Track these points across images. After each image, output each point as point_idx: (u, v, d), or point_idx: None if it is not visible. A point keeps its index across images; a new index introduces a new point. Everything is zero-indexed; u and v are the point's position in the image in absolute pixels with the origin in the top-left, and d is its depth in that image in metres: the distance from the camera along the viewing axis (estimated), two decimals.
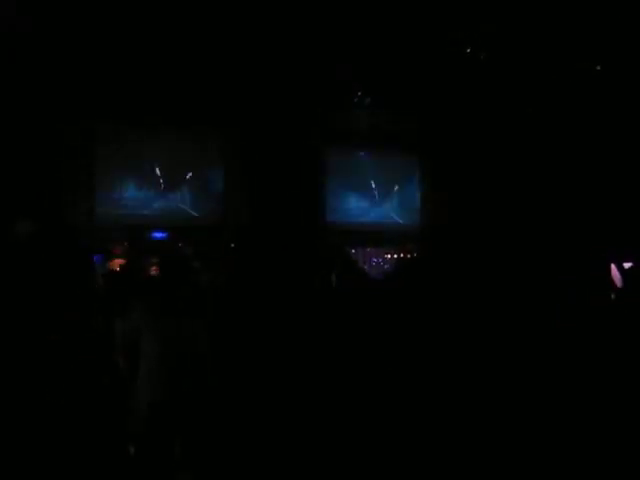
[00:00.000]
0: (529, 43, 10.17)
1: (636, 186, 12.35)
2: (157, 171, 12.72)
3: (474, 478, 4.42)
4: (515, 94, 12.13)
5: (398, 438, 4.46)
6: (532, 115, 12.74)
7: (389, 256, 14.25)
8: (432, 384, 4.65)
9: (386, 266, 14.10)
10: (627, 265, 8.39)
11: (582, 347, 5.05)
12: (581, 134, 12.76)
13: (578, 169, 12.88)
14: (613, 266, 8.48)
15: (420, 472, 4.38)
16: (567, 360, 5.03)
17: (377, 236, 14.09)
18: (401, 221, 14.68)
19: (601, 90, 11.60)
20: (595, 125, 12.54)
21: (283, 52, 10.81)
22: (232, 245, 12.13)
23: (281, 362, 4.54)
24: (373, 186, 14.47)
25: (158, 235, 12.29)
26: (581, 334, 5.16)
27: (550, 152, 13.11)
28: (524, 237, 11.73)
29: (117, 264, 9.86)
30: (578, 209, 12.63)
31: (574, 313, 5.57)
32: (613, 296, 6.75)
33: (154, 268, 9.87)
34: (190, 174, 13.01)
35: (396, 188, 14.74)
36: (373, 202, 14.51)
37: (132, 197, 12.56)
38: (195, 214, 12.98)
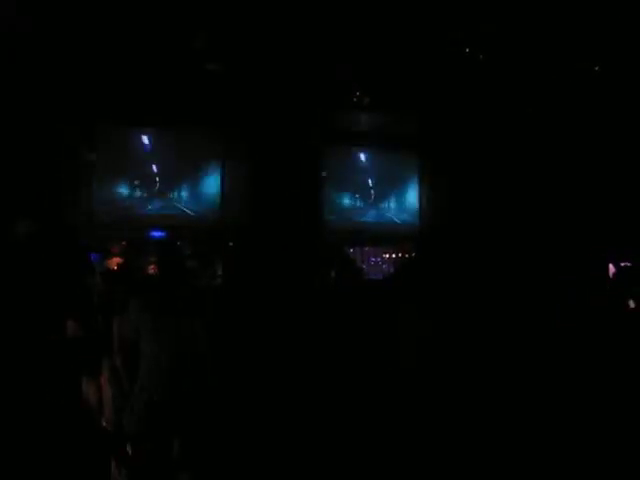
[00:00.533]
0: (529, 42, 10.17)
1: (636, 186, 12.35)
2: (156, 171, 12.73)
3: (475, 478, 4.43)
4: (515, 94, 12.14)
5: (396, 436, 4.46)
6: (532, 115, 12.74)
7: (387, 256, 14.26)
8: (430, 383, 4.65)
9: (384, 266, 14.10)
10: (623, 264, 8.42)
11: (582, 347, 5.05)
12: (581, 134, 12.76)
13: (578, 169, 12.89)
14: (611, 266, 8.51)
15: (421, 472, 4.38)
16: (567, 360, 5.03)
17: (376, 236, 14.10)
18: (400, 221, 14.67)
19: (600, 90, 11.60)
20: (595, 125, 12.54)
21: (282, 52, 10.80)
22: (230, 244, 12.14)
23: (280, 361, 4.54)
24: (372, 186, 14.47)
25: (156, 234, 12.29)
26: (581, 334, 5.17)
27: (550, 152, 13.11)
28: (524, 237, 11.74)
29: (115, 263, 9.86)
30: (578, 209, 12.63)
31: (574, 313, 5.57)
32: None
33: (152, 267, 9.87)
34: (189, 174, 13.02)
35: (395, 188, 14.74)
36: (372, 202, 14.50)
37: (131, 196, 12.56)
38: (193, 214, 12.98)
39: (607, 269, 8.40)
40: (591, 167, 12.77)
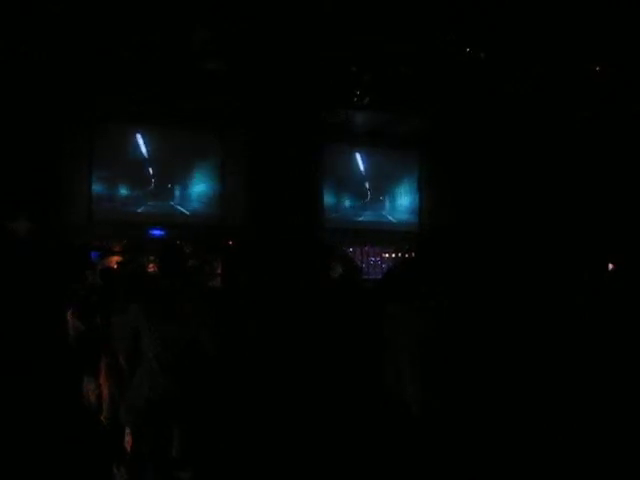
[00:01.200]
0: (531, 40, 10.15)
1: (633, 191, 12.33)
2: (156, 170, 12.72)
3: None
4: (516, 93, 12.11)
5: (399, 437, 4.47)
6: (533, 114, 12.71)
7: (387, 255, 14.26)
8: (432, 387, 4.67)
9: (384, 265, 14.10)
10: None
11: (580, 345, 5.07)
12: (584, 132, 12.72)
13: (578, 167, 12.87)
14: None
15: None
16: (564, 357, 5.05)
17: (374, 235, 14.11)
18: (397, 220, 14.69)
19: (601, 90, 11.59)
20: (598, 124, 12.51)
21: (281, 51, 10.80)
22: (230, 243, 12.14)
23: (280, 359, 4.54)
24: (368, 185, 14.48)
25: (156, 233, 12.28)
26: (580, 332, 5.18)
27: (549, 151, 13.09)
28: (523, 236, 11.72)
29: (115, 261, 9.84)
30: (578, 208, 12.60)
31: (573, 311, 5.59)
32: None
33: (152, 265, 9.86)
34: (188, 173, 13.03)
35: (392, 187, 14.75)
36: (368, 201, 14.52)
37: (130, 195, 12.56)
38: (193, 213, 12.98)
39: (605, 268, 8.41)
40: (590, 165, 12.76)
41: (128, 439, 4.11)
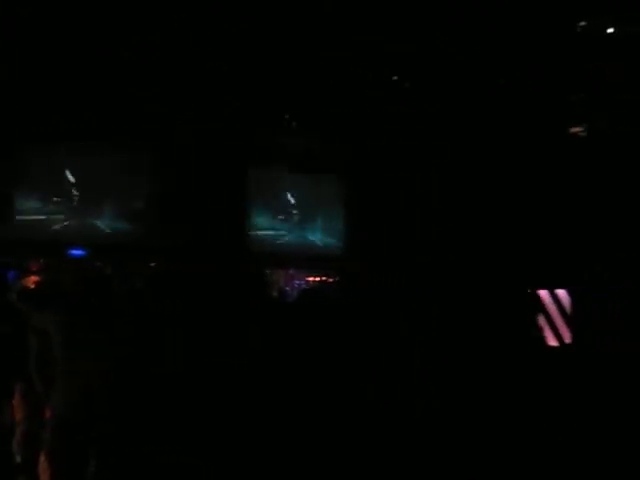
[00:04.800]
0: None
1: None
2: (79, 189, 12.49)
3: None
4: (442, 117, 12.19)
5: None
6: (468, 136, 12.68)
7: (312, 279, 14.28)
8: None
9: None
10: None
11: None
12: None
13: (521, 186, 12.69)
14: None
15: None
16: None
17: (298, 258, 14.10)
18: (323, 244, 14.75)
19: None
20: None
21: (210, 70, 10.82)
22: (152, 264, 11.95)
23: (201, 382, 4.49)
24: (297, 209, 14.51)
25: (76, 252, 12.04)
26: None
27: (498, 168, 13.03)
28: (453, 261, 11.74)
29: (32, 281, 9.53)
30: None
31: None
32: None
33: (70, 284, 9.57)
34: (112, 192, 12.81)
35: (320, 212, 14.82)
36: (297, 224, 14.54)
37: (52, 214, 12.29)
38: (115, 232, 12.76)
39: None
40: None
41: (43, 466, 3.99)
